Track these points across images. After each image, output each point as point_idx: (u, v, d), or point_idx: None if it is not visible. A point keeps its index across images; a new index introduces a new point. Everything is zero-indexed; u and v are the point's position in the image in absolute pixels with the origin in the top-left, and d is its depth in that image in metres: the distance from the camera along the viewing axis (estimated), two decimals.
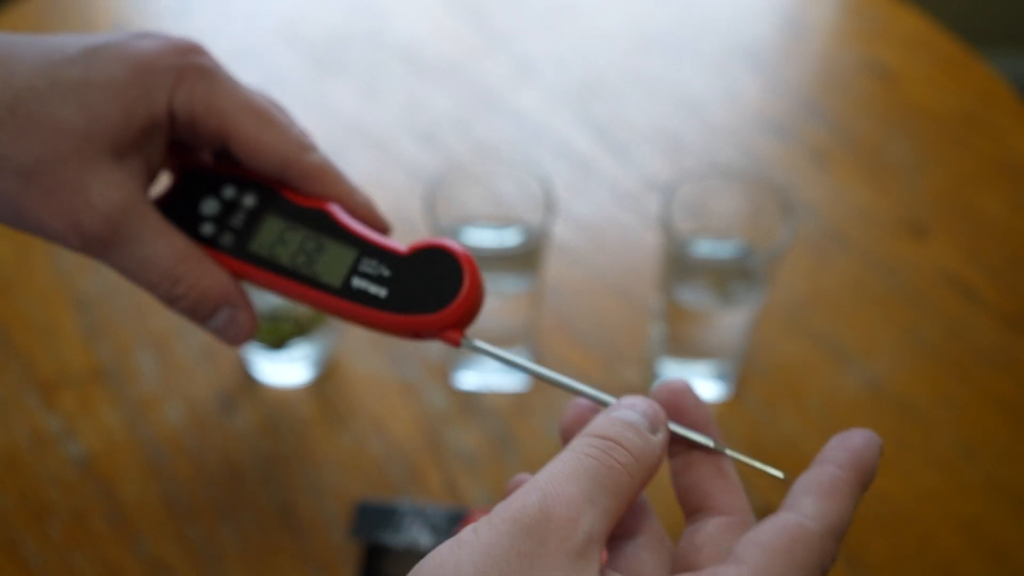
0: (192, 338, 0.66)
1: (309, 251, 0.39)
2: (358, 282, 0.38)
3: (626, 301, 0.71)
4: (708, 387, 0.65)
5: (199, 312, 0.39)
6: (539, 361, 0.66)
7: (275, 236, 0.40)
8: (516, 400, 0.64)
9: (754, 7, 0.98)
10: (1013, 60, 1.80)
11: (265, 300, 0.58)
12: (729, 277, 0.59)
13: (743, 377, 0.66)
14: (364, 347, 0.66)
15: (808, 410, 0.65)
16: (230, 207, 0.41)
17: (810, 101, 0.88)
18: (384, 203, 0.45)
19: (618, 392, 0.32)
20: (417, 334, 0.37)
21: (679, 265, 0.58)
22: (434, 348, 0.67)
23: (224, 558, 0.56)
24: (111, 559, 0.56)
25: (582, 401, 0.33)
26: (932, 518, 0.60)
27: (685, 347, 0.63)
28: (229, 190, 0.41)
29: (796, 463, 0.62)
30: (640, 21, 0.95)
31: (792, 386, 0.66)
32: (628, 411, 0.30)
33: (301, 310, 0.60)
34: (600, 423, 0.30)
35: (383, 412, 0.63)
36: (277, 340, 0.61)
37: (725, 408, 0.65)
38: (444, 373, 0.65)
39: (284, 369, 0.64)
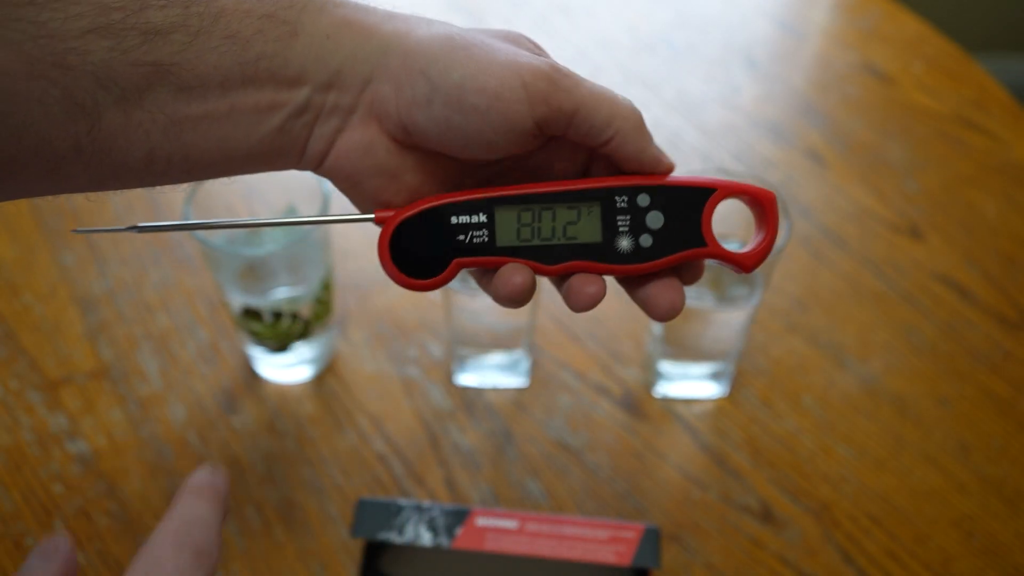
0: (194, 337, 0.67)
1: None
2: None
3: (624, 301, 0.71)
4: (706, 386, 0.65)
5: None
6: (538, 362, 0.67)
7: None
8: (516, 398, 0.65)
9: (751, 9, 0.98)
10: (1003, 64, 1.81)
11: (268, 301, 0.59)
12: (726, 277, 0.60)
13: (740, 376, 0.67)
14: (365, 346, 0.67)
15: (805, 409, 0.65)
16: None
17: (807, 102, 0.88)
18: None
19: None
20: None
21: None
22: (434, 346, 0.67)
23: (226, 555, 0.57)
24: (115, 556, 0.56)
25: None
26: (927, 515, 0.60)
27: (683, 347, 0.63)
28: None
29: (793, 461, 0.63)
30: (638, 22, 0.96)
31: (789, 385, 0.67)
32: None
33: (304, 311, 0.60)
34: None
35: (384, 410, 0.64)
36: (281, 342, 0.61)
37: (723, 407, 0.65)
38: (445, 371, 0.66)
39: (286, 368, 0.64)
